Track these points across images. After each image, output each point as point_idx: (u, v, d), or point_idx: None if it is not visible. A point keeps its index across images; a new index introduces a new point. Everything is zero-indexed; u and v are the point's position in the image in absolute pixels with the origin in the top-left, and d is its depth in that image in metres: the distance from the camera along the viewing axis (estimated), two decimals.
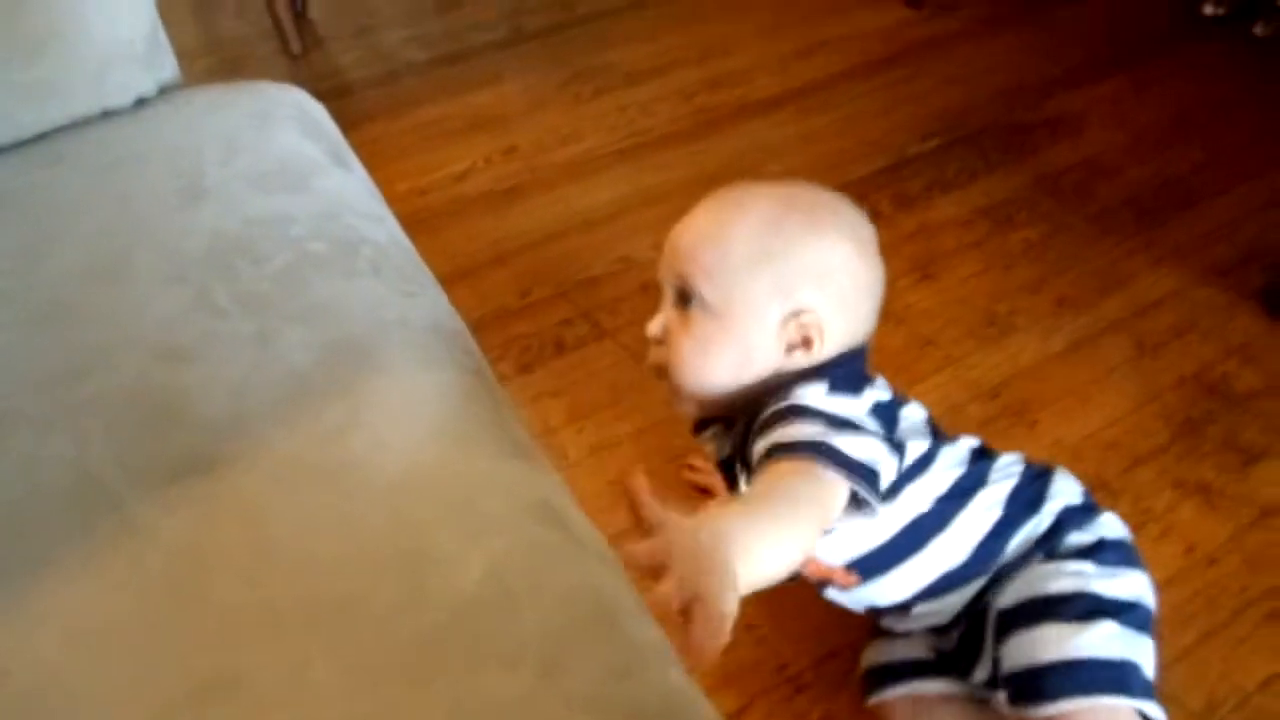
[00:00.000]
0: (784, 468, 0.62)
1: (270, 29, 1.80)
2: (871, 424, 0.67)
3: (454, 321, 0.61)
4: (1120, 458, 1.02)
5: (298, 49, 1.78)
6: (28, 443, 0.48)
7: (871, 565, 0.72)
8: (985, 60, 1.69)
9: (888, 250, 1.34)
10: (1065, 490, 0.76)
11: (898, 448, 0.69)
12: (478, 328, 1.18)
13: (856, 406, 0.68)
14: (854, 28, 1.79)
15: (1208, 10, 1.70)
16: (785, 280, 0.69)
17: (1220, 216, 1.33)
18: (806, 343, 0.70)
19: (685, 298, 0.71)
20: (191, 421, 0.49)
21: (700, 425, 0.80)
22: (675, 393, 0.74)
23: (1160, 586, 0.97)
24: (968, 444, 0.76)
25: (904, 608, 0.75)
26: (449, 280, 1.29)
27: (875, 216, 1.34)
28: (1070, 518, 0.74)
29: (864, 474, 0.63)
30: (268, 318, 0.55)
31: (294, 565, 0.43)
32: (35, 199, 0.63)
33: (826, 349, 0.70)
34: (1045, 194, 1.39)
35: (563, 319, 1.23)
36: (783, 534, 0.57)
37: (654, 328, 0.73)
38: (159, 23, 0.75)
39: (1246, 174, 1.40)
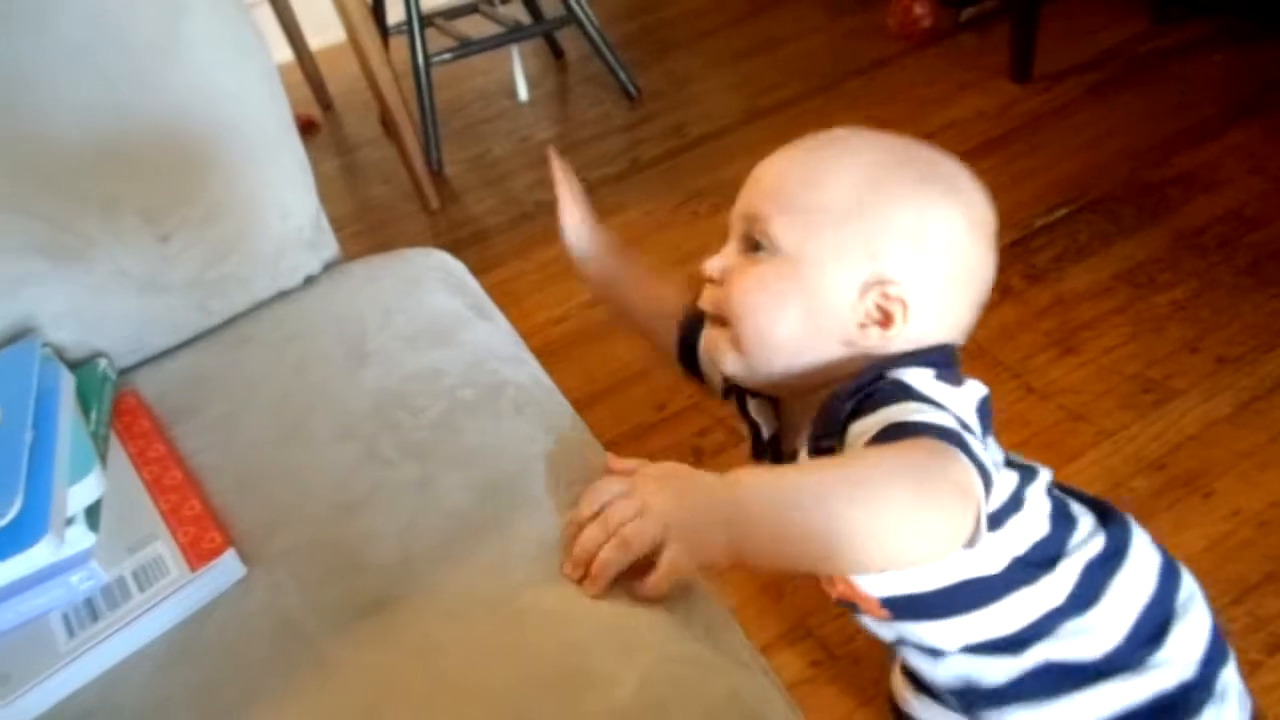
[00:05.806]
0: (906, 444, 0.50)
1: (411, 190, 1.98)
2: (978, 430, 0.55)
3: (596, 452, 0.65)
4: None
5: (436, 205, 1.95)
6: (236, 595, 0.55)
7: (908, 609, 0.62)
8: (1101, 126, 1.66)
9: (1022, 327, 1.32)
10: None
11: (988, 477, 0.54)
12: (618, 443, 1.23)
13: (963, 401, 0.56)
14: (963, 112, 1.80)
15: None
16: (876, 239, 0.58)
17: None
18: (886, 319, 0.58)
19: (755, 244, 0.60)
20: (368, 565, 0.55)
21: (731, 390, 0.68)
22: (724, 348, 0.62)
23: None
24: (1046, 480, 0.62)
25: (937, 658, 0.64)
26: (589, 401, 1.37)
27: (1006, 292, 1.34)
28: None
29: (988, 486, 0.51)
30: (428, 463, 0.61)
31: (465, 692, 0.47)
32: (228, 377, 0.73)
33: (909, 332, 0.58)
34: (1187, 252, 1.33)
35: (700, 429, 1.26)
36: (881, 505, 0.47)
37: (712, 266, 0.63)
38: (320, 209, 0.86)
39: None
